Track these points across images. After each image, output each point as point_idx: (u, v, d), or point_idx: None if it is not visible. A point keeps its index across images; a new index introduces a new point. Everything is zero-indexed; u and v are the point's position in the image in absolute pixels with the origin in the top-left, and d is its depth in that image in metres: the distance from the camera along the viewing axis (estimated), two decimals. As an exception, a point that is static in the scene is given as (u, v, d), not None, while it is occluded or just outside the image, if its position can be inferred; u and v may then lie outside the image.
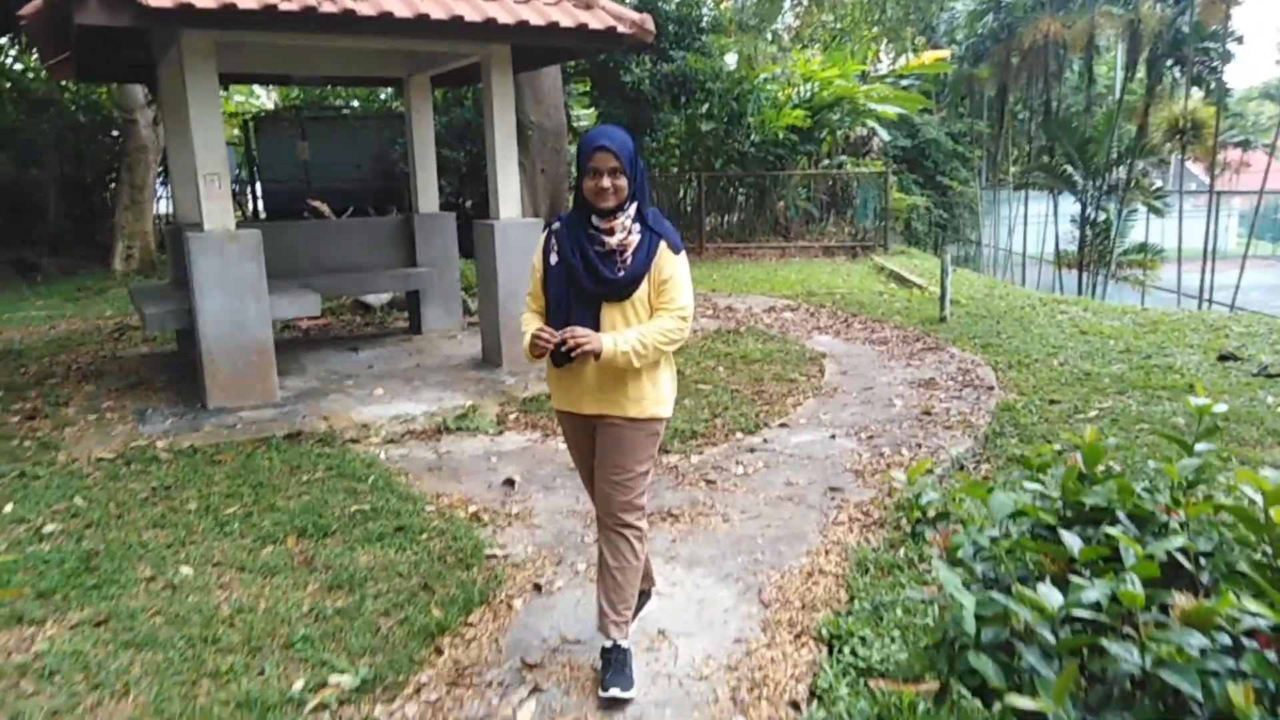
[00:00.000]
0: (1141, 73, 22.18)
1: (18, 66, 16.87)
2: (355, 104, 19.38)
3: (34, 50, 15.59)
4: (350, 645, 3.04)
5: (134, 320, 9.58)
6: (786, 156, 17.68)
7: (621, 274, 2.68)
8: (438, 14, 5.86)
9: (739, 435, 5.41)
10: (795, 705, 2.64)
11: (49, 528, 4.09)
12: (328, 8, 5.57)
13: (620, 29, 6.54)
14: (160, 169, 14.93)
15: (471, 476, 4.80)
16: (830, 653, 2.90)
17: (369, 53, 7.74)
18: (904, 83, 22.63)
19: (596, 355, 2.61)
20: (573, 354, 2.60)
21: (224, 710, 2.69)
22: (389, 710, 2.70)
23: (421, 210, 8.57)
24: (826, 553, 3.71)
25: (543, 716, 2.66)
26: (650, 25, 6.71)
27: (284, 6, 5.42)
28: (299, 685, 2.82)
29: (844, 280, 12.44)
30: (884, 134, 20.57)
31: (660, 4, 16.84)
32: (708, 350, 7.71)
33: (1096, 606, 1.36)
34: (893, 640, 2.90)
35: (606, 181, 2.65)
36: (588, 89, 17.96)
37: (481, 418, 5.83)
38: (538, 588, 3.49)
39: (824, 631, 3.01)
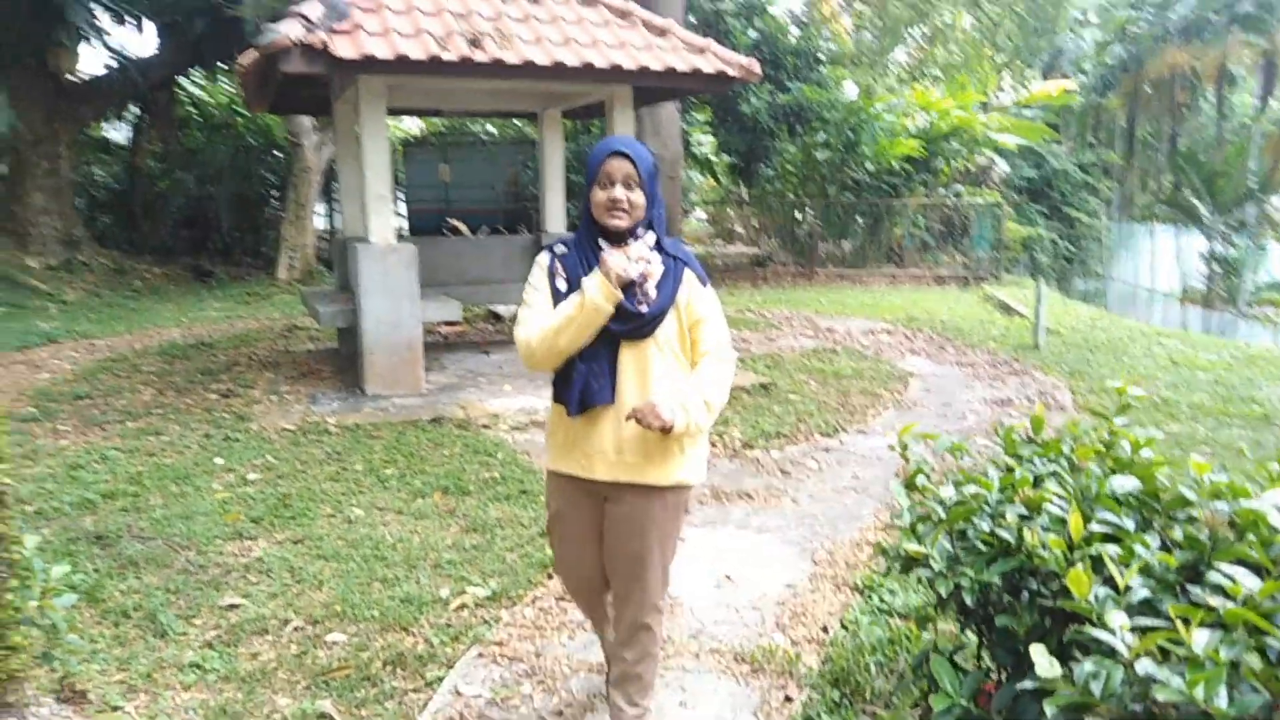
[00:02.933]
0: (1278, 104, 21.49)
1: (203, 95, 19.02)
2: (492, 129, 20.83)
3: (218, 81, 17.66)
4: (483, 568, 3.91)
5: (300, 321, 10.94)
6: (901, 185, 18.05)
7: (645, 308, 2.27)
8: (571, 61, 6.80)
9: (818, 437, 6.07)
10: (825, 629, 3.34)
11: (251, 476, 5.16)
12: (480, 57, 6.58)
13: (729, 72, 7.35)
14: (321, 188, 16.56)
15: (582, 458, 5.65)
16: (862, 598, 3.58)
17: (510, 91, 8.79)
18: (1027, 113, 22.57)
19: (666, 430, 2.19)
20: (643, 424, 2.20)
21: (392, 603, 3.58)
22: (512, 613, 3.54)
23: (549, 230, 9.56)
24: (876, 530, 4.36)
25: (628, 626, 3.44)
26: (756, 69, 7.49)
27: (445, 57, 6.46)
28: (445, 591, 3.70)
29: (948, 308, 12.80)
30: (1003, 164, 20.62)
31: (780, 37, 17.62)
32: (802, 366, 8.37)
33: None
34: (915, 593, 3.55)
35: (620, 192, 2.25)
36: (708, 119, 18.84)
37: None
38: (631, 540, 4.29)
39: (859, 583, 3.69)
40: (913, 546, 1.99)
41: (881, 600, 3.51)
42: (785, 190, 19.19)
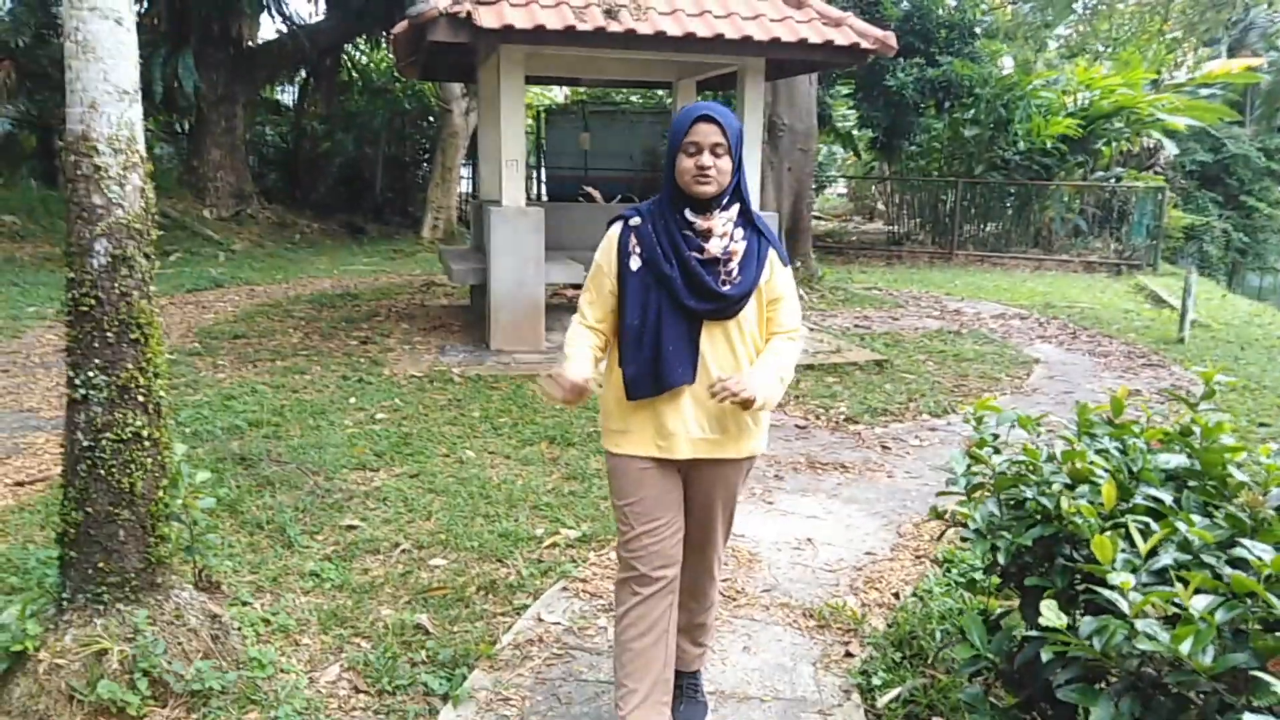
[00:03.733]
0: None
1: (364, 61, 20.07)
2: (635, 98, 21.06)
3: (380, 49, 18.57)
4: (577, 513, 4.14)
5: (438, 278, 11.54)
6: (1054, 166, 17.17)
7: (729, 289, 2.23)
8: (703, 32, 6.88)
9: (926, 417, 6.01)
10: (896, 595, 3.40)
11: (379, 416, 5.59)
12: (614, 27, 6.76)
13: (864, 44, 7.26)
14: (466, 153, 17.28)
15: (687, 421, 5.81)
16: (940, 570, 3.60)
17: (645, 61, 8.94)
18: (1204, 92, 20.94)
19: (748, 405, 2.19)
20: (722, 401, 2.20)
21: (490, 536, 3.87)
22: (599, 554, 3.76)
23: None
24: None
25: (707, 577, 3.60)
26: (892, 42, 7.35)
27: (581, 27, 6.67)
28: (540, 530, 3.95)
29: (1092, 296, 12.19)
30: (1171, 147, 19.24)
31: (932, 9, 16.99)
32: (923, 346, 8.23)
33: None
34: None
35: (708, 159, 2.17)
36: (851, 91, 18.43)
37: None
38: (722, 499, 4.43)
39: (940, 556, 3.71)
40: (954, 507, 2.06)
41: (959, 573, 3.53)
42: (929, 167, 18.60)
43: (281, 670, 2.82)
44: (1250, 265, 25.34)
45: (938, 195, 18.12)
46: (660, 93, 19.68)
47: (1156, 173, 19.78)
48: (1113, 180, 18.15)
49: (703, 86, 9.98)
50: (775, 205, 10.54)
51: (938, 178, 18.19)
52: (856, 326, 9.14)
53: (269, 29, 17.37)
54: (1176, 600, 1.41)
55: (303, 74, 18.26)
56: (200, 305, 9.33)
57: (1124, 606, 1.46)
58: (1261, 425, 6.06)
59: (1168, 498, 1.82)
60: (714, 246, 2.24)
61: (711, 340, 2.28)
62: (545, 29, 6.55)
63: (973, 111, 16.85)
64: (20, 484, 4.39)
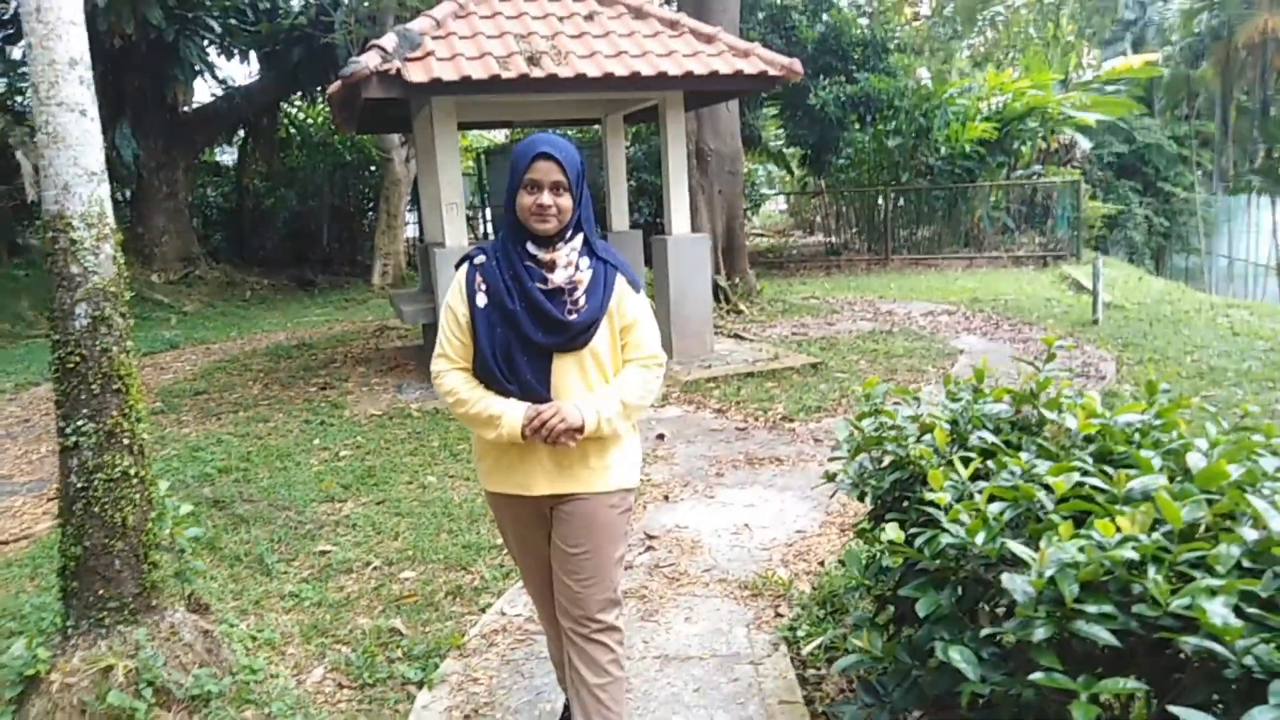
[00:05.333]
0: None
1: (302, 117, 20.36)
2: (571, 132, 21.55)
3: (317, 104, 18.88)
4: (534, 522, 4.49)
5: (391, 322, 11.83)
6: (975, 168, 17.97)
7: (574, 317, 2.22)
8: (620, 71, 7.34)
9: (857, 410, 6.45)
10: (821, 563, 3.80)
11: (343, 453, 5.90)
12: (536, 73, 7.19)
13: (771, 72, 7.79)
14: (410, 199, 17.61)
15: (634, 433, 6.20)
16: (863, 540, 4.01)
17: (572, 101, 9.41)
18: (1109, 88, 22.03)
19: (578, 431, 2.18)
20: (550, 440, 2.18)
21: (455, 548, 4.21)
22: (555, 556, 4.11)
23: (614, 229, 10.14)
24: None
25: (658, 566, 3.97)
26: (797, 68, 7.89)
27: (505, 75, 7.09)
28: (500, 540, 4.29)
29: (1017, 288, 12.84)
30: (1084, 142, 20.21)
31: (847, 29, 17.80)
32: (855, 347, 8.72)
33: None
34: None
35: (547, 198, 2.17)
36: (777, 111, 19.14)
37: (650, 394, 7.23)
38: (666, 498, 4.81)
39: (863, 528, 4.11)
40: (834, 466, 2.47)
41: (878, 540, 3.94)
42: (859, 179, 19.33)
43: (271, 675, 3.13)
44: (1175, 248, 26.48)
45: (870, 204, 18.81)
46: (596, 127, 20.23)
47: (1074, 167, 20.71)
48: (1034, 177, 19.01)
49: (630, 119, 10.48)
50: (709, 227, 11.03)
51: (867, 187, 18.89)
52: (794, 334, 9.62)
53: (204, 93, 17.62)
54: (977, 506, 1.82)
55: (241, 134, 18.50)
56: (158, 367, 9.53)
57: (941, 517, 1.87)
58: (1162, 392, 6.59)
59: (992, 438, 2.24)
60: (558, 277, 2.23)
61: (564, 373, 2.25)
62: (471, 79, 6.96)
63: (894, 123, 17.59)
64: (4, 543, 4.63)
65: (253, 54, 16.39)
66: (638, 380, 2.33)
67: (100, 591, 2.92)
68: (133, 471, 2.96)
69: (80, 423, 2.88)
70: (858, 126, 18.10)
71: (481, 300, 2.26)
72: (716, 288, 11.05)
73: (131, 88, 14.55)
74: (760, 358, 8.24)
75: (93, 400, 2.89)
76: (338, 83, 7.29)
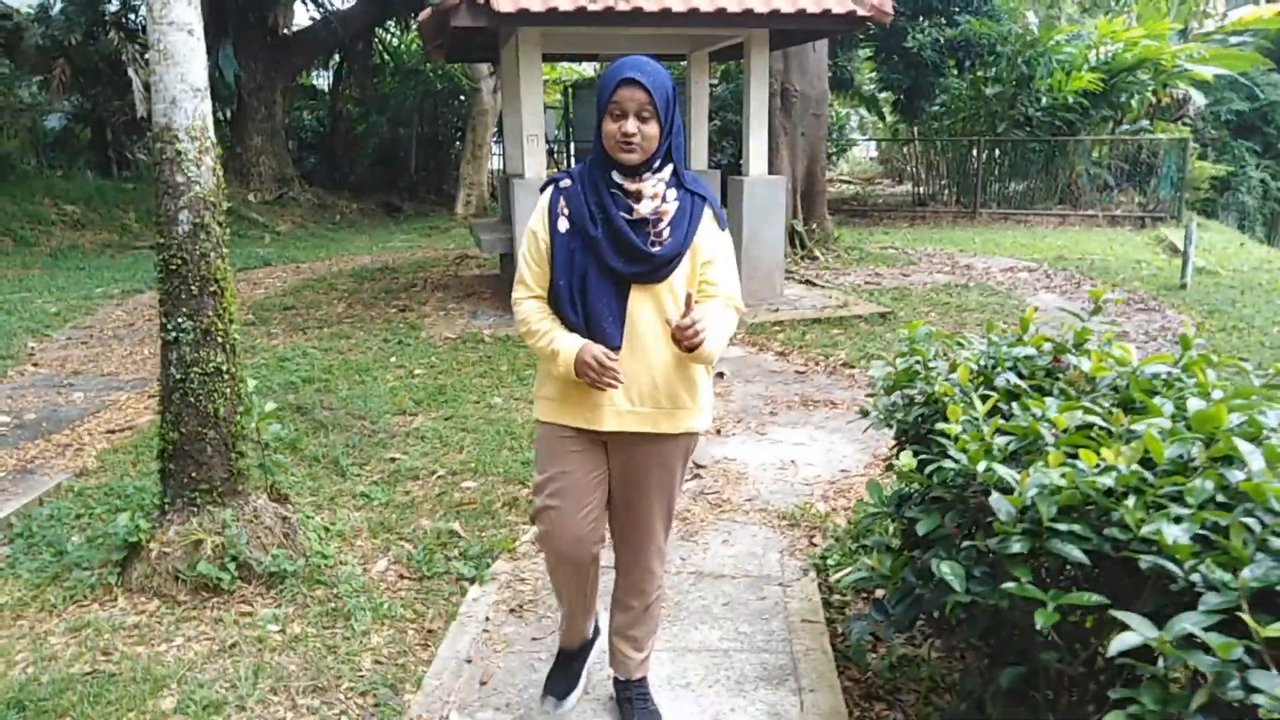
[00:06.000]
0: None
1: (395, 44, 20.67)
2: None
3: (410, 32, 19.14)
4: (590, 444, 4.72)
5: (471, 251, 12.14)
6: (1077, 121, 17.25)
7: (658, 249, 2.14)
8: (706, 7, 7.33)
9: (919, 359, 6.48)
10: (861, 500, 3.93)
11: (417, 371, 6.21)
12: (622, 6, 7.23)
13: (860, 12, 7.65)
14: (496, 130, 17.83)
15: (696, 369, 6.36)
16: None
17: (657, 36, 9.39)
18: (1234, 40, 20.73)
19: (693, 349, 2.06)
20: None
21: (514, 464, 4.46)
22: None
23: (692, 167, 10.17)
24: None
25: (702, 493, 4.15)
26: (888, 7, 7.72)
27: (591, 7, 7.15)
28: (557, 458, 4.53)
29: (1107, 249, 12.43)
30: (1199, 97, 19.13)
31: (949, -32, 17.10)
32: (927, 299, 8.66)
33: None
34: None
35: (632, 125, 2.07)
36: (871, 53, 18.62)
37: (715, 333, 7.36)
38: (719, 432, 4.98)
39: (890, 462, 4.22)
40: (866, 402, 2.58)
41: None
42: (953, 127, 18.74)
43: (340, 562, 3.44)
44: (1291, 215, 25.04)
45: (963, 154, 18.26)
46: (682, 63, 20.03)
47: (1185, 124, 19.69)
48: (1140, 133, 18.14)
49: (715, 57, 10.41)
50: (790, 169, 10.95)
51: (960, 136, 18.31)
52: (867, 283, 9.57)
53: (303, 16, 18.04)
54: (984, 437, 1.92)
55: (336, 59, 18.92)
56: (251, 282, 10.03)
57: (950, 447, 1.98)
58: (1241, 359, 6.43)
59: (1017, 380, 2.33)
60: (644, 207, 2.14)
61: (641, 305, 2.18)
62: (558, 10, 7.05)
63: (994, 70, 16.96)
64: (111, 432, 5.08)
65: (351, -22, 16.69)
66: (727, 321, 2.21)
67: (193, 474, 3.24)
68: (225, 368, 3.25)
69: (180, 320, 3.17)
70: (955, 72, 17.50)
71: (564, 225, 2.19)
72: (792, 232, 11.02)
73: (235, 9, 14.99)
74: (829, 304, 8.27)
75: (191, 300, 3.18)
76: (428, 10, 7.46)
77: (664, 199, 2.18)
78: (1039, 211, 17.17)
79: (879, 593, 2.60)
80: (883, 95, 20.58)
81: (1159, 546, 1.41)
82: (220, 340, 3.24)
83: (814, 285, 9.40)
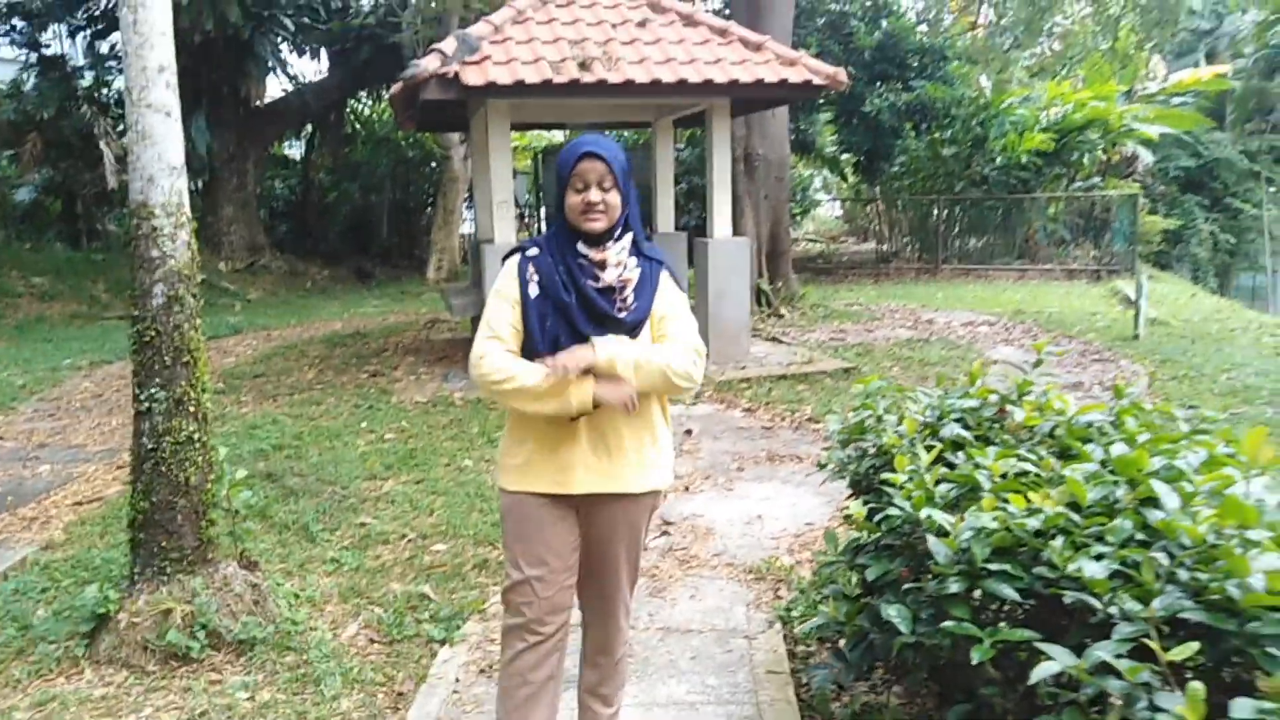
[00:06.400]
0: None
1: (366, 113, 21.03)
2: (626, 134, 21.87)
3: (381, 101, 19.49)
4: (560, 504, 4.77)
5: (442, 315, 12.23)
6: (1031, 179, 17.83)
7: (625, 315, 2.25)
8: (668, 78, 7.60)
9: (882, 414, 6.62)
10: (820, 551, 4.00)
11: (388, 436, 6.25)
12: (587, 79, 7.49)
13: (816, 81, 7.97)
14: (467, 196, 18.08)
15: (665, 427, 6.45)
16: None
17: (621, 105, 9.70)
18: (1175, 101, 21.62)
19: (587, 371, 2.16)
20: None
21: (484, 526, 4.50)
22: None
23: (659, 230, 10.40)
24: (905, 487, 4.95)
25: (671, 550, 4.21)
26: (843, 77, 8.06)
27: (557, 80, 7.40)
28: (528, 519, 4.58)
29: (1064, 302, 12.78)
30: (1146, 155, 19.86)
31: (905, 36, 17.80)
32: (890, 354, 8.85)
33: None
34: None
35: (596, 195, 2.20)
36: (832, 117, 19.21)
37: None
38: (687, 489, 5.06)
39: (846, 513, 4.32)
40: (823, 456, 2.69)
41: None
42: (912, 187, 19.28)
43: (311, 628, 3.46)
44: (1240, 266, 25.85)
45: (923, 213, 18.77)
46: (648, 130, 20.50)
47: (1135, 180, 20.38)
48: (1093, 189, 18.74)
49: (679, 123, 10.73)
50: (754, 231, 11.22)
51: (921, 195, 18.83)
52: (832, 339, 9.77)
53: (275, 88, 18.33)
54: (926, 485, 2.03)
55: (309, 129, 19.20)
56: (221, 350, 10.04)
57: (898, 499, 2.09)
58: (1190, 407, 6.63)
59: (961, 430, 2.45)
60: (609, 275, 2.25)
61: None
62: (525, 83, 7.28)
63: (950, 132, 17.54)
64: (79, 504, 5.06)
65: (323, 51, 17.04)
66: (665, 349, 2.26)
67: (163, 543, 3.27)
68: (197, 436, 3.31)
69: (153, 390, 3.23)
70: (913, 134, 18.07)
71: (534, 290, 2.26)
72: (759, 291, 11.25)
73: (208, 83, 15.24)
74: (794, 361, 8.43)
75: (165, 371, 3.24)
76: (399, 84, 7.67)
77: (626, 266, 2.29)
78: (999, 266, 17.63)
79: (842, 642, 2.68)
80: (844, 157, 21.15)
81: (1082, 582, 1.51)
82: (193, 410, 3.29)
83: (780, 342, 9.57)
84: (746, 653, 3.18)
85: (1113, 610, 1.43)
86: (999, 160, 17.43)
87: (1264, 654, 1.24)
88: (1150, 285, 15.41)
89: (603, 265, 2.26)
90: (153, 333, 3.23)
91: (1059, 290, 14.67)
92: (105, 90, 16.27)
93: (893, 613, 1.86)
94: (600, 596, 2.46)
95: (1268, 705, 1.16)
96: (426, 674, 3.13)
